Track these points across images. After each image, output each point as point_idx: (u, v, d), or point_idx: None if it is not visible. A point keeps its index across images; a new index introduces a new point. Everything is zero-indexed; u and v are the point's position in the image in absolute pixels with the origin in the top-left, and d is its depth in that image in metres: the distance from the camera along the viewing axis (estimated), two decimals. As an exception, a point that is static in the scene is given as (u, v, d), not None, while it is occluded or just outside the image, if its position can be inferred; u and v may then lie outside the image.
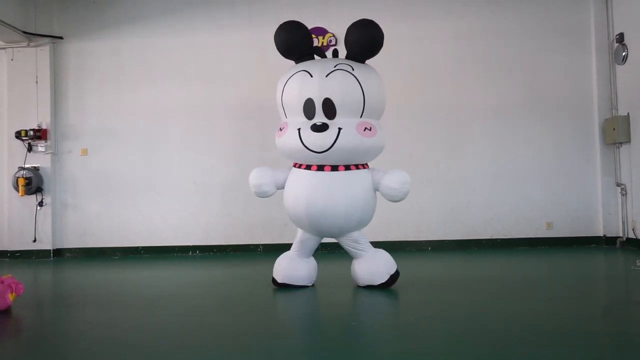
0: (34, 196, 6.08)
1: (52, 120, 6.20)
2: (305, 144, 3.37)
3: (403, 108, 5.96)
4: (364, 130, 3.40)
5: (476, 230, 6.00)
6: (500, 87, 6.07)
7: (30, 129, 6.07)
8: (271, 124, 6.08)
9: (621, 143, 5.73)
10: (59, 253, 6.17)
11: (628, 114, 5.65)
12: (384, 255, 3.72)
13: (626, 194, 5.71)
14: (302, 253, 3.75)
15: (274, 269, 3.80)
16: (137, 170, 6.20)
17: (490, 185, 6.03)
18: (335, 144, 3.32)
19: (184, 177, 6.18)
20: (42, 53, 6.21)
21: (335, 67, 3.41)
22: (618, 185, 5.82)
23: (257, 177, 3.66)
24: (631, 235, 5.64)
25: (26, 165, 6.09)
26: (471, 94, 6.08)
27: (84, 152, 6.22)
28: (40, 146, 6.14)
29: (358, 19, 3.51)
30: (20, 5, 6.06)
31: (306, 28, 3.59)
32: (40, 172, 6.12)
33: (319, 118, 3.40)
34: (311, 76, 3.39)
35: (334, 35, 6.09)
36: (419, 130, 6.06)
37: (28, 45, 6.17)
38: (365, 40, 3.45)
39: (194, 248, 6.14)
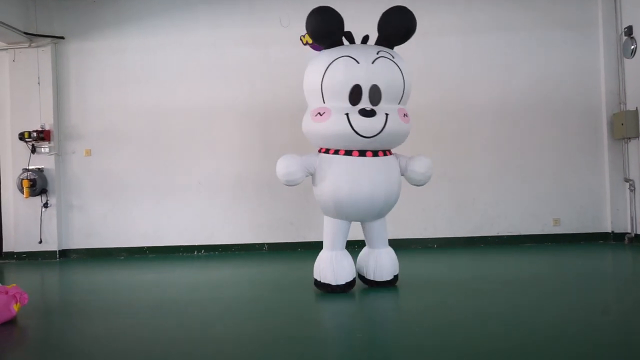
0: (38, 198, 6.08)
1: (55, 121, 6.19)
2: (356, 129, 3.37)
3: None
4: (404, 116, 3.54)
5: (482, 228, 5.96)
6: (507, 82, 6.00)
7: (34, 130, 6.05)
8: (275, 122, 6.11)
9: (629, 138, 5.65)
10: (64, 254, 6.19)
11: (637, 108, 5.56)
12: (393, 253, 3.87)
13: (634, 189, 5.64)
14: (339, 245, 3.68)
15: (318, 271, 3.68)
16: (142, 170, 6.18)
17: (496, 182, 5.97)
18: (385, 129, 3.40)
19: (189, 177, 6.16)
20: (43, 54, 6.18)
21: (377, 54, 3.46)
22: (626, 181, 5.74)
23: (287, 166, 3.54)
24: (639, 232, 5.58)
25: (30, 167, 6.09)
26: (477, 89, 6.01)
27: (88, 152, 6.21)
28: (44, 147, 6.13)
29: (391, 6, 3.61)
30: (20, 5, 6.02)
31: (339, 15, 3.55)
32: (45, 173, 6.12)
33: (364, 104, 3.43)
34: (357, 62, 3.39)
35: (337, 32, 6.00)
36: (424, 126, 5.96)
37: (29, 46, 6.14)
38: (403, 27, 3.54)
39: (199, 248, 6.14)
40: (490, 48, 6.02)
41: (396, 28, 3.56)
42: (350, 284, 3.64)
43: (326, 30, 3.53)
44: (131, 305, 3.61)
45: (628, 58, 5.66)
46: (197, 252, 6.14)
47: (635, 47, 5.55)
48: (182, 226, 6.16)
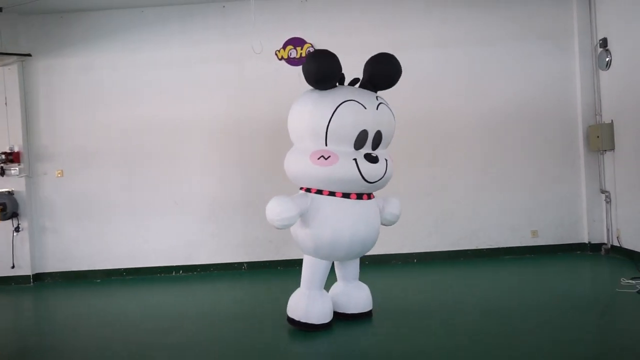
0: (9, 222, 5.91)
1: (25, 141, 6.01)
2: (363, 174, 3.42)
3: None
4: (391, 160, 3.69)
5: (461, 241, 5.97)
6: (483, 94, 5.98)
7: (2, 152, 5.87)
8: (250, 139, 6.01)
9: (605, 150, 5.68)
10: (39, 278, 6.05)
11: (612, 121, 5.58)
12: (367, 287, 3.95)
13: (610, 201, 5.68)
14: (317, 285, 3.67)
15: (290, 308, 3.71)
16: (116, 190, 6.05)
17: (474, 195, 5.97)
18: (385, 174, 3.55)
19: (164, 197, 6.04)
20: (10, 72, 5.97)
21: (377, 100, 3.57)
22: (602, 192, 5.79)
23: (284, 211, 3.41)
24: (616, 243, 5.63)
25: (0, 190, 5.92)
26: (453, 101, 5.98)
27: (60, 173, 6.05)
28: (14, 169, 5.95)
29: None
30: (-17, 23, 5.81)
31: (338, 59, 3.51)
32: (15, 196, 5.95)
33: (367, 149, 3.52)
34: (364, 107, 3.44)
35: (312, 46, 5.92)
36: (400, 140, 5.85)
37: (-6, 65, 5.94)
38: (389, 75, 3.61)
39: (177, 268, 6.05)
40: (467, 61, 5.98)
41: (382, 75, 3.61)
42: (326, 325, 3.61)
43: (328, 75, 3.48)
44: (100, 347, 3.52)
45: (603, 70, 5.68)
46: (175, 273, 6.04)
47: (610, 59, 5.56)
48: (159, 247, 6.05)
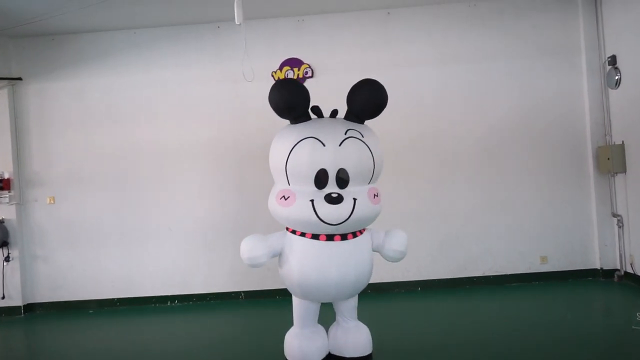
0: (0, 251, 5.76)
1: (16, 168, 5.85)
2: (321, 217, 3.16)
3: (385, 139, 5.58)
4: (374, 197, 3.32)
5: (468, 268, 5.72)
6: (487, 113, 5.75)
7: (-8, 179, 5.72)
8: (247, 163, 5.80)
9: (616, 172, 5.43)
10: (30, 308, 5.85)
11: (623, 142, 5.34)
12: (366, 328, 3.67)
13: (623, 225, 5.43)
14: (309, 322, 3.56)
15: (286, 348, 3.54)
16: (109, 217, 5.86)
17: (480, 219, 5.73)
18: (352, 216, 3.19)
19: (159, 223, 5.85)
20: (0, 96, 5.82)
21: (346, 134, 3.25)
22: (614, 216, 5.53)
23: (251, 250, 3.35)
24: (629, 270, 5.37)
25: (-10, 218, 5.75)
26: (456, 121, 5.76)
27: (52, 200, 5.87)
28: (4, 197, 5.78)
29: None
30: (-28, 48, 5.67)
31: (306, 89, 3.36)
32: (6, 224, 5.78)
33: (331, 188, 3.23)
34: (324, 145, 3.18)
35: (310, 66, 5.74)
36: (403, 162, 5.73)
37: (-16, 90, 5.79)
38: (372, 103, 3.34)
39: (172, 298, 5.84)
40: (470, 78, 5.77)
41: (366, 104, 3.33)
42: None
43: (290, 105, 3.28)
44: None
45: (613, 89, 5.44)
46: (171, 303, 5.83)
47: (620, 78, 5.33)
48: (153, 275, 5.85)
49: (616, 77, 5.36)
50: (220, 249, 5.81)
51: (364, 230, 3.48)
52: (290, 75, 5.75)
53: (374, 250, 3.57)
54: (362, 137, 3.29)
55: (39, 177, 5.89)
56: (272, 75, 5.74)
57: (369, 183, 3.34)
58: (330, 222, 3.17)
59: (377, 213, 3.37)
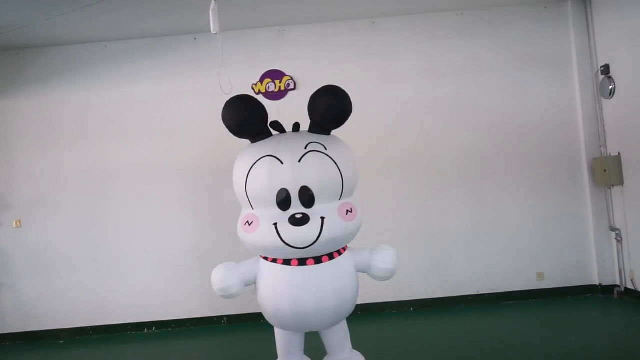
0: (-39, 280, 5.34)
1: (-22, 190, 5.46)
2: (286, 241, 2.92)
3: (371, 156, 5.39)
4: (346, 213, 3.04)
5: (461, 286, 5.46)
6: (478, 127, 5.52)
7: (-47, 203, 5.33)
8: (228, 183, 5.43)
9: (613, 185, 5.23)
10: (-5, 341, 5.45)
11: (619, 153, 5.15)
12: (362, 357, 3.42)
13: (622, 240, 5.22)
14: (294, 354, 3.34)
15: None
16: (80, 240, 5.49)
17: (473, 236, 5.47)
18: (320, 236, 2.93)
19: (134, 246, 5.49)
20: (-39, 114, 5.45)
21: (306, 148, 3.00)
22: (612, 230, 5.32)
23: (222, 280, 3.17)
24: (630, 286, 5.15)
25: (-50, 245, 5.35)
26: (445, 135, 5.51)
27: (18, 223, 5.49)
28: (-34, 222, 5.40)
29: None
30: None
31: (261, 104, 3.16)
32: (-33, 251, 5.39)
33: (296, 208, 2.97)
34: (282, 163, 2.95)
35: (292, 79, 5.47)
36: (392, 180, 5.47)
37: (-56, 108, 5.41)
38: (333, 111, 3.10)
39: (149, 325, 5.47)
40: (458, 90, 5.54)
41: (326, 113, 3.09)
42: None
43: (243, 124, 3.08)
44: None
45: (606, 98, 5.26)
46: (148, 330, 5.46)
47: (614, 87, 5.14)
48: (128, 301, 5.48)
49: (610, 87, 5.17)
50: (199, 271, 5.46)
51: (344, 250, 3.20)
52: (272, 88, 5.47)
53: (359, 271, 3.28)
54: (325, 149, 3.03)
55: (3, 199, 5.50)
56: (253, 88, 5.45)
57: (339, 199, 3.08)
58: (297, 246, 2.93)
59: (353, 230, 3.10)
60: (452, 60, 5.54)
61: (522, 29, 5.53)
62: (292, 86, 5.46)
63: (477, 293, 5.45)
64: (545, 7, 5.48)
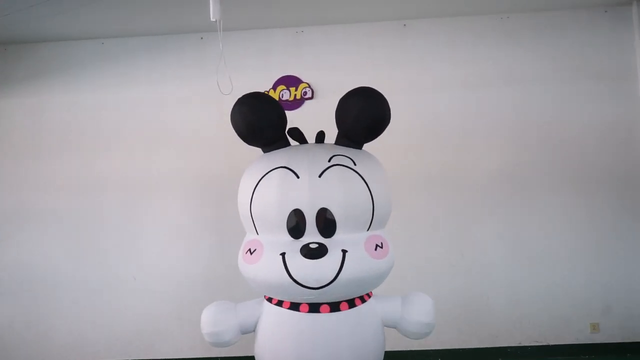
0: None
1: (-48, 200, 4.87)
2: (295, 278, 2.29)
3: (397, 176, 4.60)
4: (375, 249, 2.39)
5: (500, 336, 4.63)
6: (521, 146, 4.74)
7: None
8: (232, 200, 4.76)
9: (687, 221, 4.40)
10: (-43, 374, 4.77)
11: (696, 183, 4.33)
12: None
13: (698, 287, 4.35)
14: None
15: None
16: (61, 261, 4.84)
17: (514, 275, 4.66)
18: (340, 275, 2.28)
19: (121, 272, 4.81)
20: (-61, 115, 4.90)
21: (330, 161, 2.40)
22: (686, 274, 4.46)
23: (214, 323, 2.56)
24: None
25: None
26: (483, 155, 4.75)
27: (-8, 239, 4.87)
28: None
29: (354, 87, 2.61)
30: None
31: (279, 105, 2.59)
32: None
33: (311, 237, 2.35)
34: (297, 177, 2.35)
35: (309, 86, 4.81)
36: (418, 204, 4.72)
37: None
38: (369, 120, 2.49)
39: (133, 364, 4.75)
40: (498, 102, 4.80)
41: (357, 119, 2.48)
42: None
43: (255, 127, 2.49)
44: None
45: (679, 118, 4.46)
46: (132, 370, 4.74)
47: (688, 105, 4.35)
48: (112, 335, 4.78)
49: (683, 104, 4.39)
50: (194, 305, 4.68)
51: (367, 296, 2.53)
52: (286, 96, 4.81)
53: (386, 325, 2.61)
54: (354, 164, 2.40)
55: (-22, 210, 4.90)
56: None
57: (368, 229, 2.44)
58: (309, 285, 2.28)
59: (382, 272, 2.44)
60: (492, 70, 4.81)
61: (574, 37, 4.78)
62: (309, 95, 4.80)
63: (518, 345, 4.61)
64: (606, 12, 4.74)
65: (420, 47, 4.86)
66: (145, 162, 4.88)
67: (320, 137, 2.71)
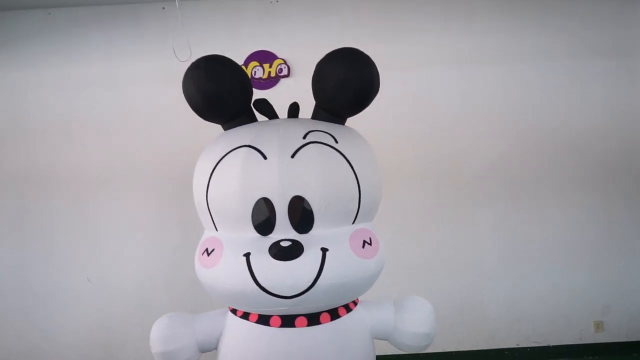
0: None
1: None
2: (262, 284, 1.79)
3: (386, 166, 4.16)
4: (363, 246, 1.91)
5: (497, 337, 4.25)
6: (522, 131, 4.33)
7: None
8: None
9: (700, 211, 4.05)
10: None
11: None
12: None
13: None
14: None
15: None
16: (4, 263, 4.27)
17: (513, 272, 4.28)
18: (319, 280, 1.80)
19: (73, 272, 4.27)
20: None
21: (305, 138, 1.91)
22: (696, 269, 4.13)
23: (165, 340, 2.05)
24: None
25: None
26: (481, 142, 4.32)
27: None
28: None
29: (335, 48, 2.07)
30: None
31: (242, 70, 2.09)
32: None
33: (283, 232, 1.86)
34: (264, 157, 1.86)
35: (285, 62, 4.30)
36: (406, 196, 4.27)
37: None
38: (354, 87, 1.97)
39: (88, 378, 4.23)
40: (498, 83, 4.36)
41: (339, 85, 1.95)
42: None
43: (212, 97, 1.97)
44: None
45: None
46: (87, 384, 4.22)
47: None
48: (64, 343, 4.26)
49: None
50: (157, 309, 4.18)
51: (354, 304, 2.08)
52: (259, 74, 4.29)
53: (376, 338, 2.16)
54: (336, 142, 1.92)
55: None
56: (235, 74, 4.27)
57: (353, 222, 1.97)
58: (281, 293, 1.80)
59: (371, 274, 1.95)
60: (490, 46, 4.35)
61: (583, 9, 4.32)
62: (285, 72, 4.29)
63: (516, 346, 4.25)
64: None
65: (410, 21, 4.36)
66: (99, 150, 4.30)
67: (294, 110, 2.22)
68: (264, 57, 4.29)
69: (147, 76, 4.34)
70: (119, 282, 4.26)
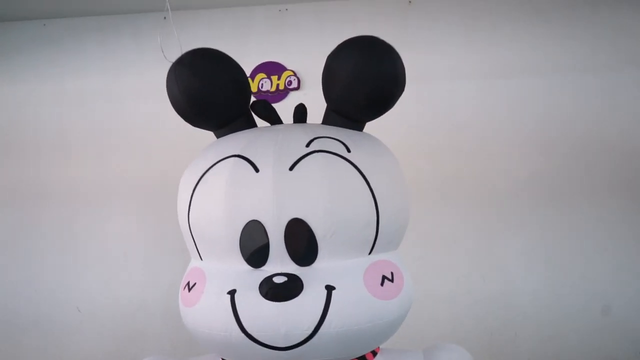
0: None
1: None
2: (249, 331, 1.39)
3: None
4: (382, 283, 1.49)
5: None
6: (550, 145, 3.94)
7: None
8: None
9: None
10: None
11: None
12: None
13: None
14: None
15: None
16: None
17: (547, 302, 3.83)
18: (322, 327, 1.39)
19: (63, 301, 3.95)
20: None
21: (309, 146, 1.51)
22: None
23: None
24: None
25: None
26: (506, 157, 3.95)
27: None
28: None
29: (346, 39, 1.70)
30: None
31: (237, 64, 1.72)
32: None
33: (279, 264, 1.46)
34: (256, 170, 1.50)
35: (294, 74, 4.02)
36: (426, 218, 3.86)
37: None
38: (376, 83, 1.58)
39: (74, 419, 3.84)
40: (524, 95, 4.01)
41: (357, 82, 1.56)
42: None
43: (203, 97, 1.64)
44: None
45: None
46: None
47: None
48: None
49: None
50: (153, 340, 3.91)
51: (372, 354, 1.66)
52: (267, 86, 4.01)
53: None
54: (348, 151, 1.53)
55: None
56: (240, 86, 4.00)
57: (370, 252, 1.57)
58: (273, 343, 1.40)
59: (393, 318, 1.52)
60: (515, 57, 4.02)
61: (614, 18, 3.99)
62: (294, 85, 4.00)
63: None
64: (653, -15, 4.00)
65: (429, 29, 4.07)
66: (95, 167, 4.05)
67: (301, 114, 1.85)
68: (272, 68, 4.01)
69: (145, 90, 4.07)
70: (111, 313, 3.93)
